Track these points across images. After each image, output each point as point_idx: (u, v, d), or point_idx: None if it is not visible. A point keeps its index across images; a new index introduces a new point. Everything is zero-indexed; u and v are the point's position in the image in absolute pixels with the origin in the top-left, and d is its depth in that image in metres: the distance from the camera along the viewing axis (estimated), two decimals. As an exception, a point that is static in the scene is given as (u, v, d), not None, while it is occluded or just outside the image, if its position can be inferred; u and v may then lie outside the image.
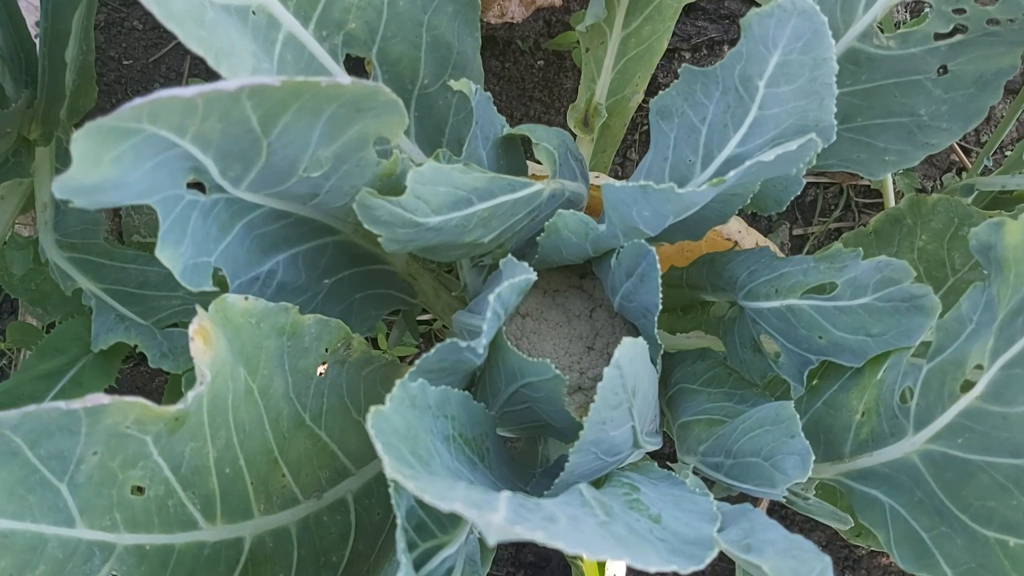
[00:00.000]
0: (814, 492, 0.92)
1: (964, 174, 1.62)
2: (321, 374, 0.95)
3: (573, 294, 1.10)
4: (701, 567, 0.61)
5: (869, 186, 1.64)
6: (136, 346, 0.92)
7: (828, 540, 1.56)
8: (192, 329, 0.74)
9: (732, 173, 0.70)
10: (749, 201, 0.88)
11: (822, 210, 1.64)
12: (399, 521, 0.69)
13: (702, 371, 0.99)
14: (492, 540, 0.49)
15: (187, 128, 0.64)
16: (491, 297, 0.73)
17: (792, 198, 0.90)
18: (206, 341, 0.76)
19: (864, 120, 0.93)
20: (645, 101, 1.46)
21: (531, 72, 1.63)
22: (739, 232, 1.14)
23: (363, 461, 1.00)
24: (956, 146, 1.66)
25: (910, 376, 0.79)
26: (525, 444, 1.08)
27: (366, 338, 1.02)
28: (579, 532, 0.54)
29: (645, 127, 1.63)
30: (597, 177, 1.21)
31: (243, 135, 0.69)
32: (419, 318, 1.46)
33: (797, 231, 1.64)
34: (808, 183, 1.64)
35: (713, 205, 0.89)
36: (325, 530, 0.95)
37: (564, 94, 1.63)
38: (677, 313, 1.15)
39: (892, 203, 1.45)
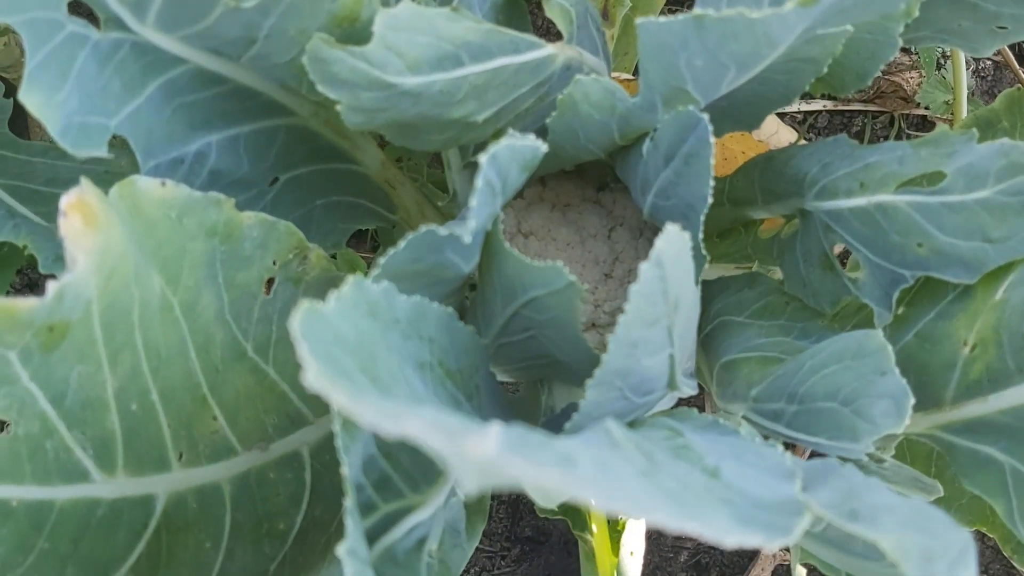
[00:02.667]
0: (891, 453, 0.71)
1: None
2: (268, 294, 0.74)
3: (588, 209, 0.89)
4: (789, 540, 0.41)
5: (925, 117, 1.42)
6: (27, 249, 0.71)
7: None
8: (66, 201, 0.54)
9: (831, -17, 0.49)
10: (825, 71, 0.67)
11: (870, 142, 1.43)
12: (346, 471, 0.49)
13: (751, 300, 0.78)
14: (472, 485, 0.29)
15: None
16: (483, 159, 0.52)
17: (880, 69, 0.69)
18: (87, 219, 0.55)
19: (974, -28, 0.72)
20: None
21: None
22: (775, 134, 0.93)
23: (326, 408, 0.79)
24: (1017, 68, 1.44)
25: (1046, 294, 0.59)
26: (525, 390, 0.87)
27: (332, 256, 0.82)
28: (615, 479, 0.34)
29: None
30: (618, 76, 1.00)
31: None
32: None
33: (841, 167, 1.42)
34: (854, 111, 1.43)
35: (777, 77, 0.68)
36: (270, 490, 0.74)
37: None
38: (712, 240, 0.95)
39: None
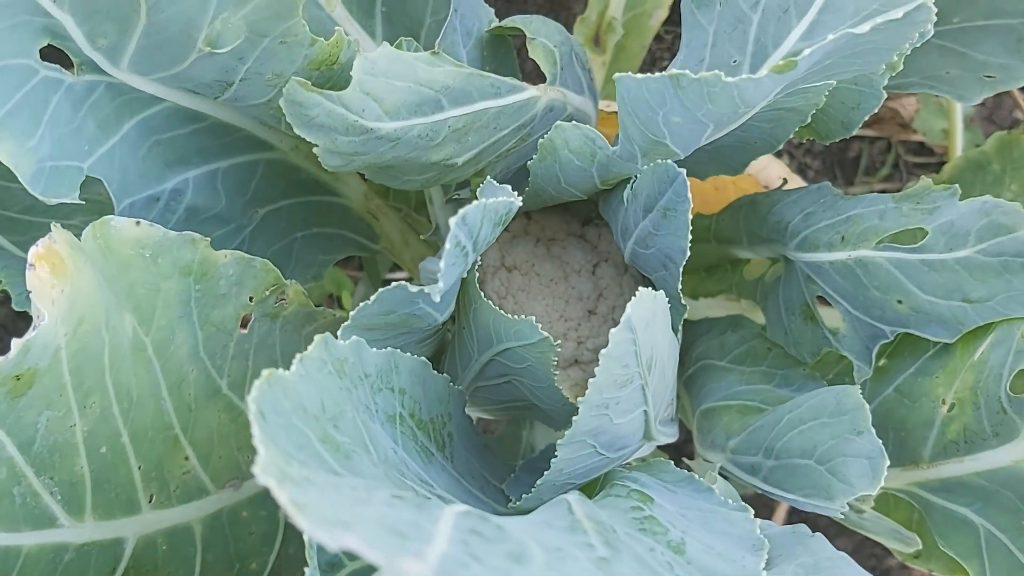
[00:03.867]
0: (871, 505, 0.71)
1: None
2: (244, 330, 0.73)
3: (573, 244, 0.88)
4: (748, 630, 0.40)
5: (923, 144, 1.41)
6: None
7: (856, 547, 1.36)
8: (34, 253, 0.53)
9: (808, 51, 0.48)
10: (808, 121, 0.66)
11: (867, 168, 1.41)
12: (307, 537, 0.48)
13: (733, 344, 0.77)
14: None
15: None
16: (452, 222, 0.51)
17: (865, 119, 0.68)
18: (55, 270, 0.54)
19: (962, 20, 0.71)
20: (670, 18, 1.23)
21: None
22: (775, 175, 0.92)
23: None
24: (1017, 96, 1.43)
25: (1024, 358, 0.58)
26: (506, 428, 0.87)
27: (331, 296, 0.81)
28: (568, 574, 0.33)
29: (669, 47, 1.40)
30: (608, 105, 0.99)
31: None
32: (392, 276, 1.25)
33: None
34: (852, 137, 1.41)
35: (761, 124, 0.67)
36: (242, 529, 0.74)
37: (572, 4, 1.39)
38: (700, 274, 0.94)
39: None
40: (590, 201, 0.89)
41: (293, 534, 0.78)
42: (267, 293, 0.73)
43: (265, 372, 0.44)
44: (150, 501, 0.67)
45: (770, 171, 0.93)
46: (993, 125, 1.46)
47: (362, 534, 0.29)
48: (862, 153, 1.42)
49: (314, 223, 0.83)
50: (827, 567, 0.47)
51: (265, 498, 0.76)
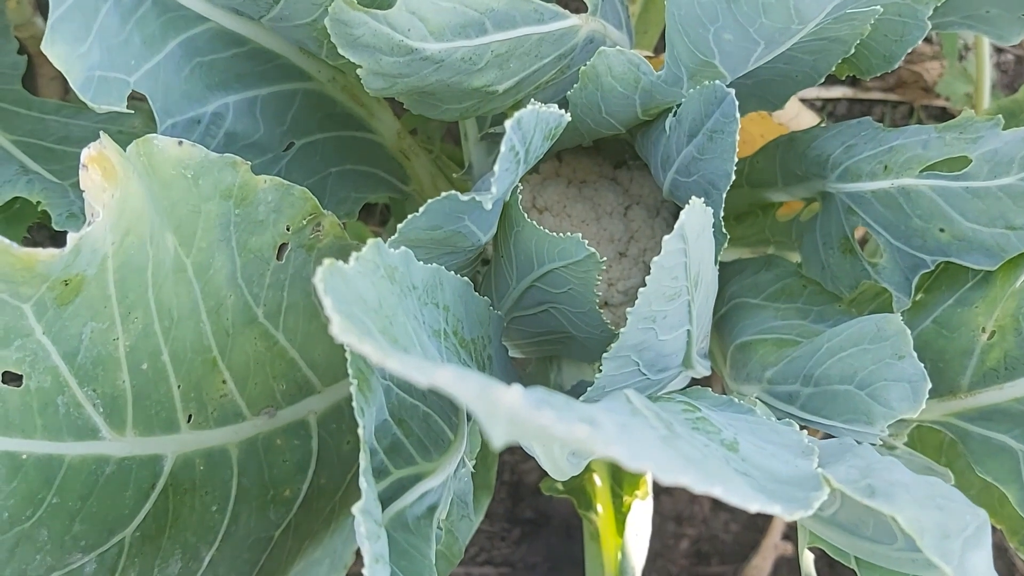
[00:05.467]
0: (905, 440, 0.71)
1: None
2: (280, 259, 0.73)
3: (605, 186, 0.88)
4: (809, 513, 0.40)
5: (944, 109, 1.41)
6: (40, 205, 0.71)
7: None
8: (87, 155, 0.53)
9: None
10: (852, 52, 0.66)
11: (887, 134, 1.42)
12: (362, 433, 0.48)
13: (768, 282, 0.77)
14: (501, 437, 0.28)
15: None
16: (508, 124, 0.51)
17: (908, 51, 0.68)
18: (107, 174, 0.54)
19: (1006, -44, 0.71)
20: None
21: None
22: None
23: (333, 377, 0.79)
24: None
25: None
26: (535, 367, 0.87)
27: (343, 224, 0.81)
28: (639, 441, 0.34)
29: None
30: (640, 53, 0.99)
31: None
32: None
33: (856, 157, 1.41)
34: (874, 100, 1.42)
35: (804, 56, 0.67)
36: (277, 456, 0.74)
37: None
38: (730, 222, 0.93)
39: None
40: (622, 142, 0.89)
41: (324, 465, 0.78)
42: (304, 223, 0.73)
43: (327, 261, 0.44)
44: (188, 421, 0.67)
45: (801, 118, 0.93)
46: (1014, 92, 1.46)
47: (450, 375, 0.29)
48: (884, 117, 1.42)
49: (348, 159, 0.83)
50: (880, 467, 0.47)
51: (298, 428, 0.76)
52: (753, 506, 0.34)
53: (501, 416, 0.28)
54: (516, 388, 0.31)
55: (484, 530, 1.34)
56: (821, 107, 1.42)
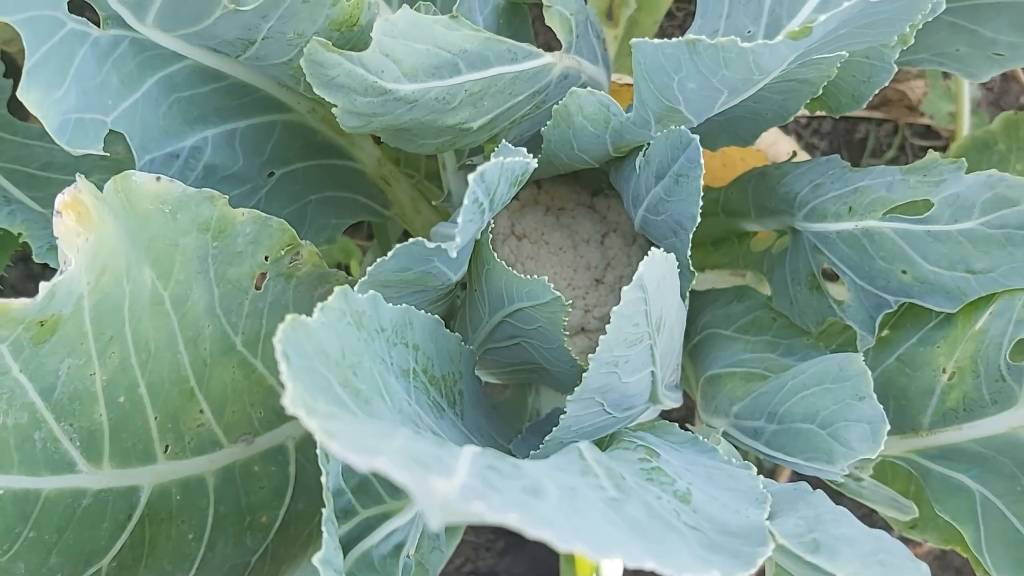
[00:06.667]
0: (870, 472, 0.72)
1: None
2: (259, 289, 0.74)
3: (582, 214, 0.89)
4: (752, 571, 0.41)
5: (929, 127, 1.42)
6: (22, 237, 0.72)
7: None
8: (61, 201, 0.54)
9: (824, 17, 0.49)
10: (820, 93, 0.67)
11: (873, 150, 1.42)
12: (325, 480, 0.50)
13: (739, 314, 0.78)
14: (435, 522, 0.29)
15: None
16: (471, 178, 0.53)
17: (875, 92, 0.69)
18: (81, 218, 0.55)
19: (974, -3, 0.72)
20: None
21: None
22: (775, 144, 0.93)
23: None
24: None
25: (1025, 328, 0.60)
26: (512, 392, 0.88)
27: (339, 264, 0.82)
28: (577, 515, 0.35)
29: (680, 24, 1.41)
30: (620, 78, 1.00)
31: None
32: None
33: (841, 173, 1.42)
34: (858, 118, 1.42)
35: (773, 96, 0.68)
36: (254, 483, 0.76)
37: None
38: (707, 248, 0.95)
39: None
40: (600, 171, 0.90)
41: (302, 490, 0.79)
42: (282, 253, 0.74)
43: (289, 317, 0.46)
44: (165, 451, 0.69)
45: (779, 147, 0.94)
46: (999, 110, 1.47)
47: (391, 458, 0.30)
48: (869, 135, 1.43)
49: (328, 187, 0.84)
50: (829, 519, 0.49)
51: (276, 454, 0.78)
52: (687, 575, 0.35)
53: (435, 504, 0.29)
54: (456, 469, 0.33)
55: (469, 541, 1.36)
56: (806, 124, 1.43)
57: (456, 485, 0.30)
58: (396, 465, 0.30)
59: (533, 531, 0.30)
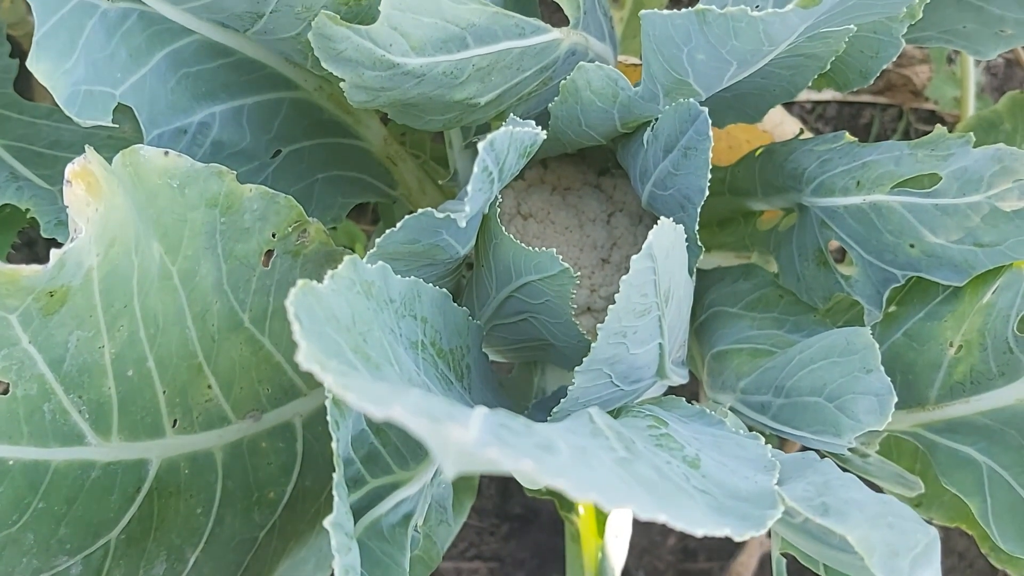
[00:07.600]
0: (876, 448, 0.72)
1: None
2: (266, 266, 0.74)
3: (588, 193, 0.89)
4: (762, 532, 0.42)
5: (934, 112, 1.42)
6: (29, 212, 0.72)
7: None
8: (71, 170, 0.54)
9: (834, -16, 0.49)
10: (827, 68, 0.67)
11: (878, 135, 1.42)
12: (335, 446, 0.50)
13: (745, 291, 0.79)
14: (451, 469, 0.30)
15: None
16: (481, 146, 0.53)
17: (883, 67, 0.69)
18: (91, 189, 0.55)
19: (982, -27, 0.72)
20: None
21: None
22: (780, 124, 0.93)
23: (318, 380, 0.80)
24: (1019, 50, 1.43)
25: (1034, 300, 0.60)
26: (518, 371, 0.88)
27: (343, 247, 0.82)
28: (589, 468, 0.35)
29: (686, 7, 1.41)
30: (626, 59, 1.00)
31: None
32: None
33: (846, 159, 1.42)
34: (863, 103, 1.42)
35: (780, 71, 0.68)
36: (262, 459, 0.76)
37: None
38: (712, 228, 0.95)
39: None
40: (606, 150, 0.90)
41: (309, 468, 0.79)
42: (290, 230, 0.74)
43: (300, 282, 0.46)
44: (174, 425, 0.69)
45: (785, 127, 0.94)
46: (999, 94, 1.47)
47: (406, 407, 0.31)
48: (874, 120, 1.43)
49: (335, 165, 0.84)
50: (837, 484, 0.49)
51: (283, 431, 0.78)
52: (699, 531, 0.35)
53: (451, 451, 0.29)
54: (471, 419, 0.33)
55: (473, 525, 1.36)
56: (811, 109, 1.42)
57: (472, 435, 0.30)
58: (412, 413, 0.30)
59: (548, 479, 0.30)
